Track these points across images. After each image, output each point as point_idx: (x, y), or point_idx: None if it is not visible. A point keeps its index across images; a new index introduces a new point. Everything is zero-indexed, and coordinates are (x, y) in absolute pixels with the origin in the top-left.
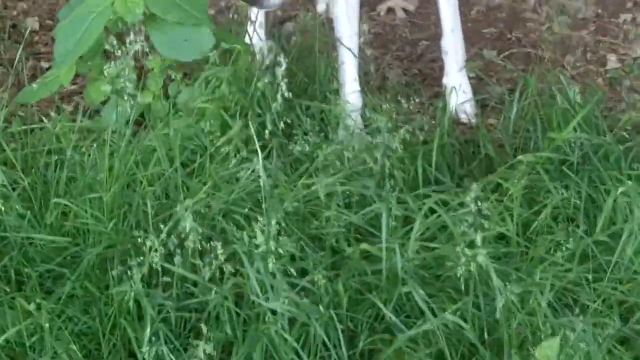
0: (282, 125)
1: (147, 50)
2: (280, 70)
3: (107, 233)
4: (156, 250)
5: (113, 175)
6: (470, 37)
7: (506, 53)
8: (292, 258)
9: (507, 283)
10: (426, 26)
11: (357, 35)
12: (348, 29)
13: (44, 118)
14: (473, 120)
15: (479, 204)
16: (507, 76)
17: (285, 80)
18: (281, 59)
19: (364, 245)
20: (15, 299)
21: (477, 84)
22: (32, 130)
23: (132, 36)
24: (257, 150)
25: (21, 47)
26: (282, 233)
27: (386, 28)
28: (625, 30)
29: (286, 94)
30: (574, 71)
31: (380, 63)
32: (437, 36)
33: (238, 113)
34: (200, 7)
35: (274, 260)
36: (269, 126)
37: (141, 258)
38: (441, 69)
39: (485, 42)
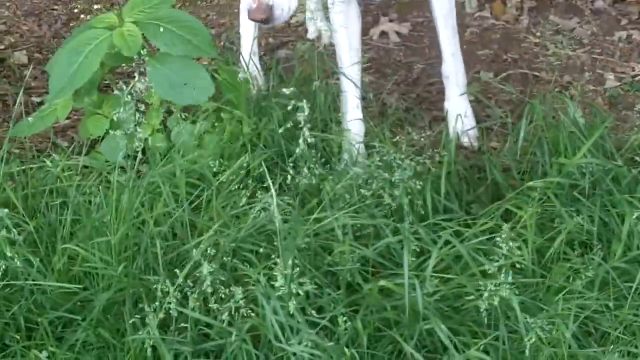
0: (305, 171)
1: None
2: (302, 116)
3: (117, 276)
4: (171, 295)
5: (119, 217)
6: (466, 59)
7: (503, 75)
8: (308, 295)
9: (531, 316)
10: (420, 49)
11: (359, 63)
12: (349, 57)
13: (44, 159)
14: (475, 144)
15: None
16: (505, 98)
17: (308, 125)
18: (303, 104)
19: (384, 282)
20: (27, 349)
21: (476, 107)
22: (31, 168)
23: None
24: (269, 187)
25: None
26: (297, 270)
27: (380, 52)
28: (621, 48)
29: (309, 140)
30: (573, 91)
31: (377, 88)
32: (431, 59)
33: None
34: (204, 39)
35: (295, 302)
36: (291, 172)
37: (157, 304)
38: (438, 92)
39: (481, 64)
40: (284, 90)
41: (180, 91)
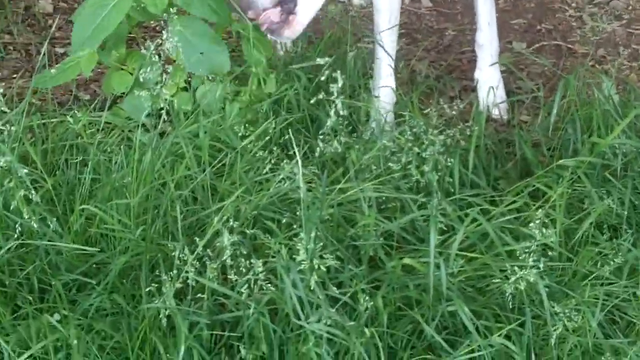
0: (335, 143)
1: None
2: (336, 87)
3: (135, 240)
4: (189, 264)
5: (140, 178)
6: (499, 28)
7: (536, 46)
8: (329, 270)
9: (557, 302)
10: (452, 15)
11: (396, 31)
12: (388, 22)
13: (65, 113)
14: (505, 117)
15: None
16: (537, 70)
17: (342, 97)
18: (337, 75)
19: (407, 260)
20: (39, 311)
21: (508, 78)
22: (52, 122)
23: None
24: (294, 155)
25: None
26: (319, 242)
27: (411, 17)
28: None
29: (341, 112)
30: (608, 66)
31: (407, 55)
32: (464, 25)
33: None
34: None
35: (315, 277)
36: (321, 145)
37: (174, 272)
38: (469, 60)
39: (514, 34)
40: (319, 60)
41: (196, 59)
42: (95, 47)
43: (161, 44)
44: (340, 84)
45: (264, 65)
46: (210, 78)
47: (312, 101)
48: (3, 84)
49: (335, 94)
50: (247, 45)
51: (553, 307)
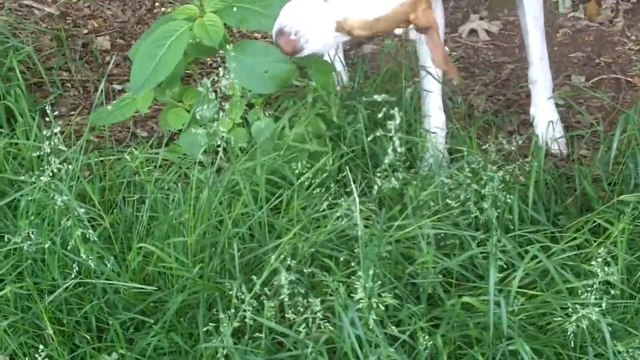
0: (393, 180)
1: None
2: (393, 124)
3: (192, 278)
4: (246, 303)
5: (197, 215)
6: (558, 61)
7: (595, 79)
8: (387, 308)
9: (619, 340)
10: (510, 49)
11: None
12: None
13: (122, 150)
14: (564, 152)
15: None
16: (597, 104)
17: (399, 134)
18: (395, 112)
19: (467, 298)
20: (97, 350)
21: (566, 112)
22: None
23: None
24: (352, 192)
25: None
26: (377, 280)
27: (469, 51)
28: None
29: (399, 149)
30: None
31: (465, 89)
32: (521, 60)
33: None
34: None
35: (374, 315)
36: (379, 182)
37: (232, 311)
38: (528, 95)
39: (573, 68)
40: (376, 97)
41: (260, 79)
42: (153, 87)
43: (217, 80)
44: (397, 121)
45: (331, 85)
46: (266, 114)
47: (369, 138)
48: (61, 121)
49: (393, 131)
50: (312, 69)
51: (616, 345)
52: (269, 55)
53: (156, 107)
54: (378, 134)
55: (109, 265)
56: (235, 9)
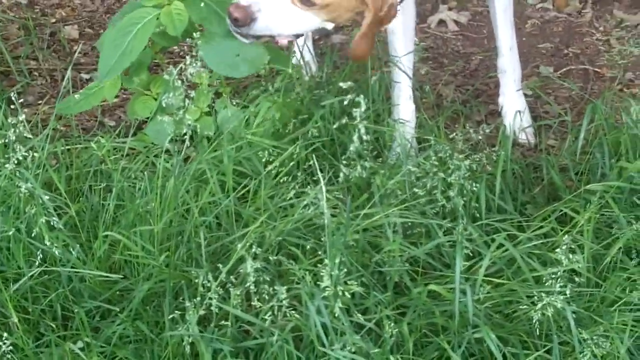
0: (359, 169)
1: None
2: (359, 112)
3: (158, 267)
4: (213, 291)
5: (164, 204)
6: (526, 52)
7: (563, 70)
8: (353, 296)
9: (585, 328)
10: (479, 40)
11: (412, 52)
12: (404, 45)
13: (89, 139)
14: (532, 141)
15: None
16: (565, 94)
17: (364, 122)
18: (360, 99)
19: (433, 286)
20: (62, 339)
21: (534, 102)
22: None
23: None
24: (318, 180)
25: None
26: (343, 268)
27: (437, 41)
28: None
29: (365, 137)
30: (635, 89)
31: (433, 79)
32: (490, 50)
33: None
34: None
35: (340, 304)
36: (345, 170)
37: (197, 299)
38: (496, 85)
39: (541, 58)
40: (341, 84)
41: (232, 63)
42: (120, 74)
43: (184, 68)
44: (363, 108)
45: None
46: (234, 103)
47: (335, 126)
48: (27, 110)
49: (358, 118)
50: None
51: (581, 333)
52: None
53: (124, 96)
54: (344, 121)
55: (74, 253)
56: (202, 4)
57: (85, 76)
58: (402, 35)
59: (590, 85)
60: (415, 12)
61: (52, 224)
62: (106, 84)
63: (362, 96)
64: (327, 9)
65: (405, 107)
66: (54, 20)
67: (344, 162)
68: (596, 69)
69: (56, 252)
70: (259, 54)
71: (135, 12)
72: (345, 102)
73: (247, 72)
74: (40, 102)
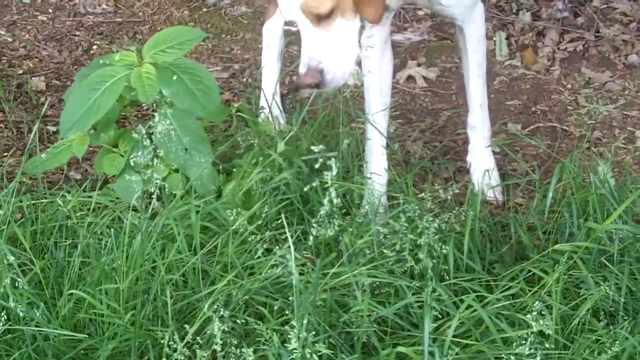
0: (329, 231)
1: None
2: (330, 175)
3: (124, 325)
4: (179, 352)
5: (130, 261)
6: (494, 109)
7: (531, 127)
8: (321, 357)
9: None
10: (447, 96)
11: (387, 110)
12: (379, 102)
13: (55, 193)
14: (500, 199)
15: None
16: (532, 152)
17: (335, 186)
18: (332, 163)
19: (402, 348)
20: None
21: (502, 160)
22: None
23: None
24: (286, 239)
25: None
26: (311, 329)
27: (406, 97)
28: None
29: (335, 200)
30: (603, 148)
31: (402, 135)
32: (458, 106)
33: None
34: (213, 102)
35: None
36: (314, 232)
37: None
38: (464, 142)
39: (510, 115)
40: (313, 148)
41: (179, 155)
42: (85, 130)
43: (153, 126)
44: (334, 172)
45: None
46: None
47: (306, 188)
48: None
49: (329, 182)
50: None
51: None
52: (194, 134)
53: (91, 148)
54: (314, 184)
55: (38, 312)
56: (175, 77)
57: (52, 128)
58: (377, 92)
59: (558, 143)
60: (392, 71)
61: (16, 284)
62: (74, 141)
63: (333, 159)
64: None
65: (377, 164)
66: (21, 72)
67: (314, 224)
68: (564, 127)
69: (20, 311)
70: (207, 153)
71: (104, 69)
72: (317, 166)
73: (184, 171)
74: (5, 154)
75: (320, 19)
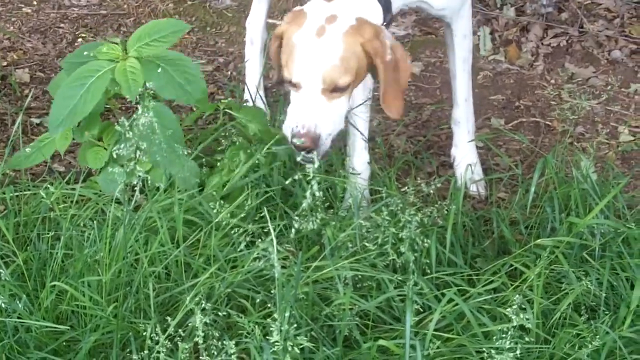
0: (311, 224)
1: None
2: (312, 168)
3: (106, 318)
4: (161, 344)
5: (113, 253)
6: (478, 104)
7: (515, 122)
8: (303, 350)
9: None
10: (431, 90)
11: (369, 103)
12: (361, 94)
13: (38, 185)
14: (483, 193)
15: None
16: (516, 146)
17: (317, 178)
18: (314, 155)
19: (383, 342)
20: None
21: (485, 155)
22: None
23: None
24: (269, 232)
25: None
26: (293, 322)
27: None
28: (637, 101)
29: (317, 193)
30: (585, 143)
31: (385, 129)
32: (442, 101)
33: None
34: (199, 89)
35: (290, 359)
36: (297, 225)
37: (146, 352)
38: (447, 136)
39: (493, 110)
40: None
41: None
42: (72, 126)
43: (136, 119)
44: (316, 165)
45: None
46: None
47: (288, 181)
48: None
49: (312, 174)
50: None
51: None
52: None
53: (74, 141)
54: (296, 177)
55: (20, 304)
56: (160, 70)
57: (35, 120)
58: (360, 86)
59: (541, 138)
60: None
61: None
62: (57, 135)
63: (315, 152)
64: (353, 83)
65: (359, 158)
66: (5, 64)
67: (297, 217)
68: (547, 122)
69: (2, 304)
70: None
71: (89, 64)
72: (299, 158)
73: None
74: None
75: (333, 90)
